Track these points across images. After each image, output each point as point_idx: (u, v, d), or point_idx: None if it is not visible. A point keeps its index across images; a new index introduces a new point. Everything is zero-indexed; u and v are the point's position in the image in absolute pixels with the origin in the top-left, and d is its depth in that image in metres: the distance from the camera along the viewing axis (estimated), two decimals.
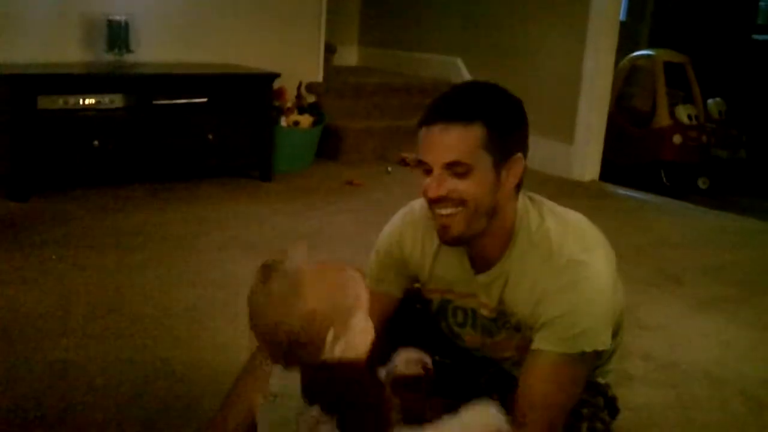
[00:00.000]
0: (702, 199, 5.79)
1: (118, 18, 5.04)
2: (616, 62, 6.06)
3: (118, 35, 5.06)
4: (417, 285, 2.16)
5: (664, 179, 6.15)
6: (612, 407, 2.17)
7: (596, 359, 1.93)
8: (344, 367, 1.52)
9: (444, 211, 1.84)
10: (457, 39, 6.78)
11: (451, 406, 2.25)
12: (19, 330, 2.92)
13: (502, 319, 2.00)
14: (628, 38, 6.61)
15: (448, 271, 2.03)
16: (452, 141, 1.78)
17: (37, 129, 4.48)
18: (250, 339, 1.57)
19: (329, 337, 1.50)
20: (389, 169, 5.70)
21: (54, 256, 3.63)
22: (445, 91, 1.89)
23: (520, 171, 1.87)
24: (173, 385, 2.57)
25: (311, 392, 1.51)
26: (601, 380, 2.15)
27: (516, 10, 6.26)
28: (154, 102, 4.86)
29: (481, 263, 1.97)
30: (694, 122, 6.23)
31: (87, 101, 4.64)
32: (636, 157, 6.35)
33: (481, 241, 1.91)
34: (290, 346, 1.50)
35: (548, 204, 1.99)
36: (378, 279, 2.11)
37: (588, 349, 1.83)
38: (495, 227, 1.88)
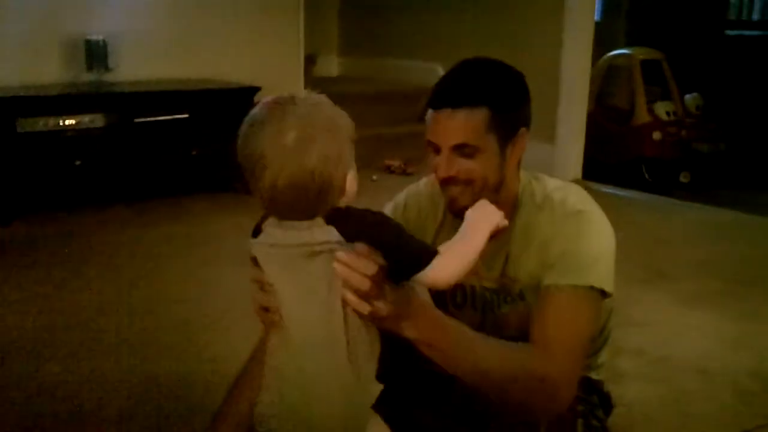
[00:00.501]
0: (684, 193, 5.82)
1: (96, 37, 5.05)
2: (594, 62, 6.09)
3: (96, 54, 5.07)
4: None
5: (646, 175, 6.18)
6: (606, 404, 2.18)
7: (601, 305, 1.93)
8: (370, 213, 1.51)
9: (453, 189, 1.91)
10: (436, 45, 6.80)
11: None
12: (6, 353, 2.92)
13: (504, 291, 2.03)
14: (604, 38, 6.64)
15: None
16: (459, 125, 1.85)
17: (17, 151, 4.48)
18: (263, 196, 1.47)
19: (350, 176, 1.49)
20: (374, 177, 5.70)
21: (66, 275, 3.63)
22: (450, 72, 1.96)
23: (524, 144, 1.96)
24: (165, 402, 2.57)
25: (354, 235, 1.47)
26: (594, 376, 2.16)
27: (493, 14, 6.30)
28: (136, 120, 4.85)
29: None
30: (673, 118, 6.28)
31: (67, 122, 4.63)
32: (618, 155, 6.38)
33: None
34: (320, 193, 1.45)
35: (549, 178, 2.07)
36: None
37: (595, 284, 1.86)
38: (501, 199, 1.93)
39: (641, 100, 6.31)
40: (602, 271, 1.89)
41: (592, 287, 1.86)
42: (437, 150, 1.90)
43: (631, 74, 6.38)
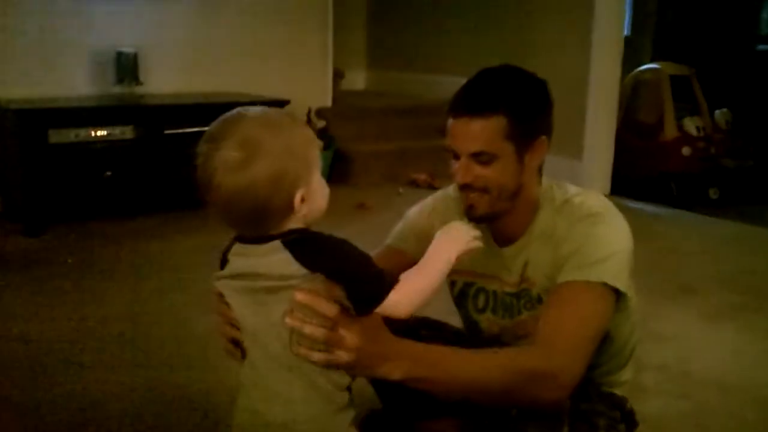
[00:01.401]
0: (712, 209, 5.80)
1: (126, 50, 5.11)
2: (622, 76, 6.08)
3: (126, 67, 5.13)
4: None
5: (675, 191, 6.16)
6: (630, 421, 2.18)
7: (614, 303, 1.93)
8: (330, 240, 1.50)
9: (471, 195, 1.96)
10: (462, 59, 6.80)
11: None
12: (36, 362, 2.95)
13: (524, 295, 2.06)
14: (631, 53, 6.63)
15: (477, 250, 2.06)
16: (476, 133, 1.89)
17: (48, 163, 4.54)
18: (212, 210, 1.50)
19: (298, 197, 1.47)
20: (400, 190, 5.72)
21: (70, 260, 3.66)
22: (471, 80, 2.00)
23: (543, 152, 1.99)
24: (191, 413, 2.59)
25: (311, 264, 1.45)
26: (617, 392, 2.16)
27: (521, 30, 6.31)
28: (165, 132, 4.91)
29: (504, 238, 2.07)
30: (702, 134, 6.25)
31: (98, 133, 4.69)
32: (645, 170, 6.36)
33: (506, 218, 2.02)
34: (259, 210, 1.45)
35: (571, 186, 2.10)
36: (400, 238, 2.21)
37: (608, 281, 1.86)
38: (519, 205, 2.00)
39: (670, 116, 6.28)
40: (614, 269, 1.89)
41: (604, 284, 1.87)
42: (456, 156, 1.94)
43: (660, 89, 6.35)
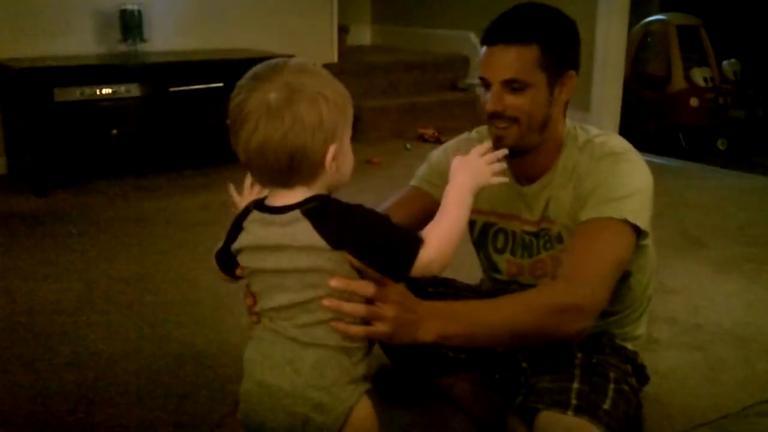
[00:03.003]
0: (721, 160, 5.77)
1: (131, 7, 5.07)
2: (629, 28, 6.02)
3: (131, 25, 5.09)
4: None
5: (683, 142, 6.13)
6: (641, 374, 2.20)
7: (635, 240, 1.96)
8: (352, 209, 1.50)
9: (500, 125, 1.97)
10: (469, 13, 6.76)
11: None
12: (45, 322, 2.96)
13: (543, 235, 2.09)
14: (639, 4, 6.56)
15: (494, 187, 2.05)
16: (510, 60, 1.93)
17: (55, 121, 4.52)
18: (241, 157, 1.49)
19: (331, 152, 1.45)
20: (408, 146, 5.70)
21: (73, 229, 3.65)
22: (505, 12, 2.03)
23: (572, 87, 2.02)
24: (200, 370, 2.60)
25: (335, 240, 1.45)
26: (630, 347, 2.17)
27: None
28: (171, 89, 4.88)
29: (527, 176, 2.10)
30: (710, 84, 6.21)
31: (104, 91, 4.66)
32: (654, 122, 6.33)
33: (530, 155, 2.04)
34: (291, 160, 1.43)
35: (593, 128, 2.14)
36: (425, 179, 2.24)
37: (629, 218, 1.90)
38: (545, 140, 2.03)
39: (678, 67, 6.24)
40: (636, 206, 1.93)
41: (625, 220, 1.90)
42: (487, 85, 1.97)
43: (668, 40, 6.31)
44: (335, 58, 6.24)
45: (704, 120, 6.15)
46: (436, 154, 2.27)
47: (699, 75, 6.22)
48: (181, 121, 4.93)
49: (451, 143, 2.27)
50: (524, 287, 2.12)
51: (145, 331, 2.90)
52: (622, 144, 2.04)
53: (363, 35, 7.92)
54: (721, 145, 6.15)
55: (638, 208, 1.93)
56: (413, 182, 2.27)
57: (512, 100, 1.94)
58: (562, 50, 1.98)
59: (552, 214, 2.06)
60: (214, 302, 3.12)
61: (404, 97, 6.31)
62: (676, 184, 5.05)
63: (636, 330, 2.19)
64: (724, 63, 6.42)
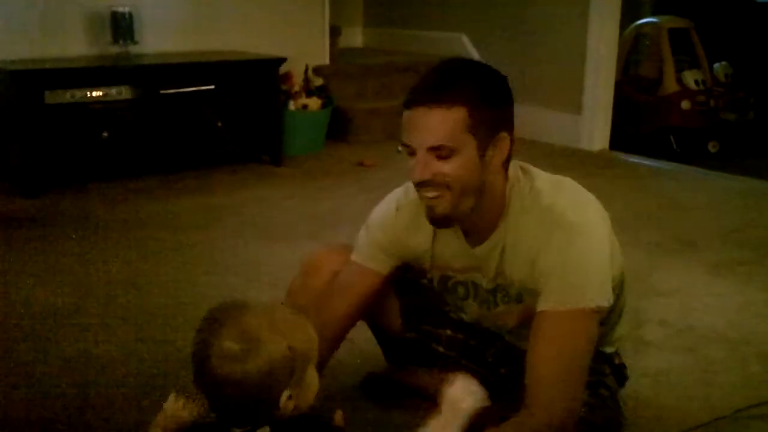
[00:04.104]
0: (713, 163, 5.77)
1: (122, 9, 5.05)
2: (621, 30, 6.03)
3: (122, 27, 5.07)
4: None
5: (674, 145, 6.14)
6: (619, 375, 2.19)
7: (602, 317, 1.92)
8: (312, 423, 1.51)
9: (429, 194, 1.85)
10: (461, 15, 6.75)
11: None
12: (38, 324, 2.95)
13: (501, 290, 2.02)
14: (631, 6, 6.57)
15: (446, 249, 2.04)
16: (434, 125, 1.78)
17: (45, 124, 4.50)
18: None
19: (284, 396, 1.46)
20: (399, 148, 5.67)
21: (75, 235, 3.64)
22: (428, 72, 1.88)
23: (506, 149, 1.86)
24: (191, 375, 2.58)
25: None
26: (608, 350, 2.16)
27: None
28: (162, 92, 4.86)
29: (476, 237, 1.98)
30: (702, 87, 6.22)
31: (94, 94, 4.64)
32: (645, 125, 6.34)
33: (472, 218, 1.91)
34: (241, 406, 1.46)
35: (540, 172, 1.99)
36: (367, 255, 2.12)
37: (590, 305, 1.83)
38: (485, 203, 1.89)
39: (669, 69, 6.25)
40: (596, 287, 1.85)
41: (586, 308, 1.83)
42: (412, 153, 1.83)
43: (659, 43, 6.32)
44: (327, 60, 6.23)
45: (695, 122, 6.16)
46: (376, 226, 2.12)
47: (690, 78, 6.23)
48: (172, 124, 4.92)
49: (390, 210, 2.11)
50: (487, 330, 2.15)
51: (138, 333, 2.89)
52: (570, 202, 1.90)
53: (355, 37, 7.91)
54: (712, 147, 6.16)
55: (599, 287, 1.85)
56: (354, 256, 2.14)
57: (441, 167, 1.80)
58: (491, 110, 1.82)
59: (507, 272, 1.97)
60: (204, 304, 3.07)
61: (397, 100, 6.27)
62: (668, 186, 5.05)
63: (613, 335, 2.16)
64: (716, 66, 6.43)
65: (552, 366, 1.82)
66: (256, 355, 1.42)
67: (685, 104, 6.14)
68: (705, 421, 2.33)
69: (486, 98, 1.81)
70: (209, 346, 1.45)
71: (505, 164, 1.90)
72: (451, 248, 2.02)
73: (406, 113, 1.84)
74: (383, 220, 2.11)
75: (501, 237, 1.94)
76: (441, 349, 2.26)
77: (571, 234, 1.84)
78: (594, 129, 5.84)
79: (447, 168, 1.80)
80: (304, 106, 5.56)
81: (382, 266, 2.11)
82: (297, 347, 1.46)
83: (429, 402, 2.25)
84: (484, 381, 2.21)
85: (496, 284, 2.01)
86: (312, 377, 1.52)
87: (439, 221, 1.90)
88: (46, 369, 2.61)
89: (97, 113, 4.66)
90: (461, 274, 2.08)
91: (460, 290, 2.11)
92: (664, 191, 4.91)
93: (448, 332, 2.26)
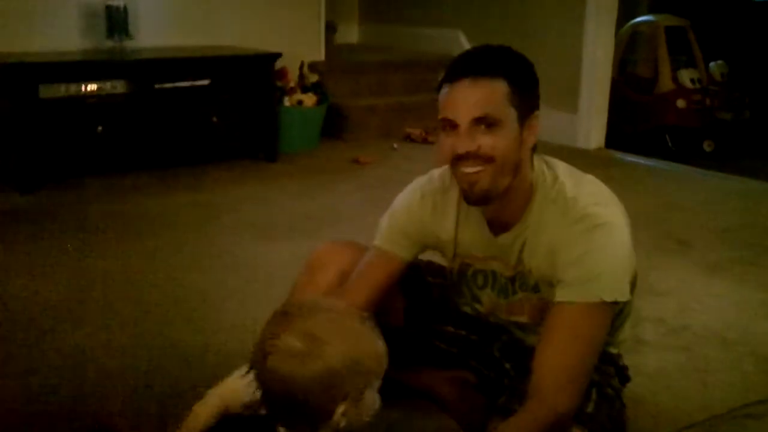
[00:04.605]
0: (708, 162, 5.78)
1: (116, 3, 5.04)
2: (617, 29, 6.03)
3: (117, 21, 5.06)
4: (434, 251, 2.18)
5: (670, 144, 6.14)
6: (622, 375, 2.19)
7: (615, 314, 1.93)
8: None
9: (471, 169, 1.85)
10: (457, 11, 6.76)
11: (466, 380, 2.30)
12: (32, 319, 2.94)
13: (519, 279, 2.03)
14: (627, 5, 6.57)
15: (469, 237, 2.05)
16: (481, 95, 1.81)
17: (39, 118, 4.49)
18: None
19: (340, 410, 1.42)
20: (395, 145, 5.69)
21: (70, 246, 3.64)
22: (464, 53, 1.92)
23: (537, 129, 1.90)
24: (185, 369, 2.59)
25: None
26: (613, 350, 2.16)
27: None
28: (156, 86, 4.85)
29: (500, 225, 2.00)
30: (697, 86, 6.22)
31: (89, 88, 4.62)
32: (641, 123, 6.34)
33: (502, 202, 1.92)
34: (292, 408, 1.42)
35: (562, 163, 2.02)
36: (390, 240, 2.11)
37: (607, 298, 1.84)
38: (516, 186, 1.91)
39: (665, 68, 6.25)
40: (615, 281, 1.86)
41: (603, 302, 1.84)
42: (453, 126, 1.84)
43: (655, 41, 6.32)
44: (322, 56, 6.22)
45: (691, 121, 6.16)
46: (400, 213, 2.12)
47: (686, 76, 6.23)
48: (167, 119, 4.90)
49: (415, 197, 2.12)
50: (498, 323, 2.15)
51: (134, 328, 2.88)
52: (594, 199, 1.92)
53: (351, 34, 7.91)
54: (707, 147, 6.16)
55: (618, 282, 1.86)
56: (377, 241, 2.13)
57: (485, 139, 1.81)
58: (529, 87, 1.88)
59: (527, 261, 1.98)
60: (200, 301, 3.11)
61: (392, 97, 6.29)
62: (663, 185, 5.05)
63: (618, 336, 2.17)
64: (712, 64, 6.43)
65: (564, 356, 1.83)
66: (317, 358, 1.38)
67: (680, 103, 6.15)
68: (699, 419, 2.32)
69: (523, 76, 1.87)
70: (273, 337, 1.42)
71: (533, 149, 1.93)
72: (474, 236, 2.03)
73: (447, 88, 1.85)
74: (408, 207, 2.11)
75: (525, 226, 1.96)
76: (443, 346, 2.27)
77: (594, 227, 1.86)
78: (590, 127, 5.84)
79: (492, 140, 1.82)
80: (300, 102, 5.55)
81: (406, 252, 2.10)
82: (361, 361, 1.42)
83: (431, 402, 2.27)
84: (485, 377, 2.23)
85: (515, 272, 2.02)
86: (372, 397, 1.48)
87: (478, 198, 1.89)
88: (42, 363, 2.60)
89: (92, 107, 4.64)
90: (481, 263, 2.08)
91: (479, 279, 2.12)
92: (660, 190, 4.91)
93: (451, 329, 2.26)
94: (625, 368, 2.21)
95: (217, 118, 5.03)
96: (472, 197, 1.90)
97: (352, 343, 1.42)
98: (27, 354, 2.68)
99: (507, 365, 2.15)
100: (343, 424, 1.44)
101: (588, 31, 5.73)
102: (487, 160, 1.83)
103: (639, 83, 6.41)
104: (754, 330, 2.99)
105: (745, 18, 7.03)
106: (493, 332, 2.19)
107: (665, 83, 6.23)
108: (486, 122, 1.80)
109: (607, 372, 2.07)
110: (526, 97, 1.86)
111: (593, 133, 5.85)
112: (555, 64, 5.83)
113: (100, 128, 4.65)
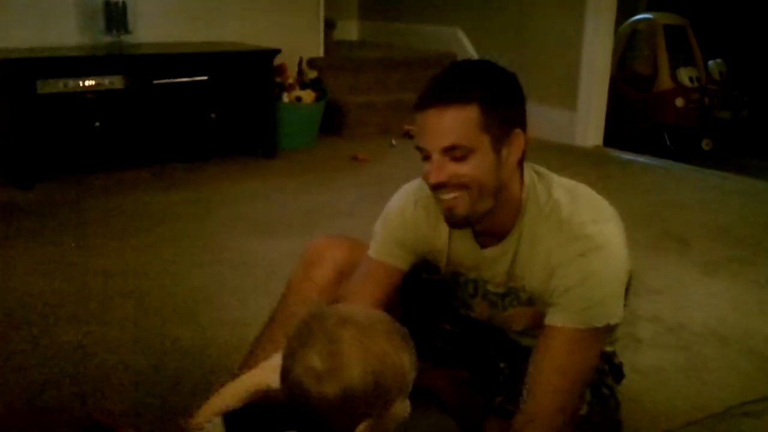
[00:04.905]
0: (706, 161, 5.78)
1: None
2: (616, 27, 6.03)
3: (115, 16, 5.06)
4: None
5: (668, 142, 6.14)
6: (617, 372, 2.19)
7: (609, 334, 1.92)
8: None
9: (447, 196, 1.81)
10: (457, 9, 6.75)
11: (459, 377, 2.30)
12: (32, 315, 2.93)
13: (511, 294, 1.99)
14: (626, 3, 6.57)
15: (460, 247, 2.02)
16: (448, 124, 1.74)
17: (37, 113, 4.48)
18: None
19: (362, 426, 1.39)
20: (393, 142, 5.69)
21: (73, 243, 3.64)
22: (438, 73, 1.83)
23: (521, 147, 1.82)
24: (184, 364, 2.59)
25: None
26: (608, 348, 2.15)
27: None
28: (155, 82, 4.84)
29: (487, 239, 1.95)
30: (696, 84, 6.22)
31: (87, 83, 4.62)
32: (639, 122, 6.34)
33: (488, 219, 1.87)
34: (312, 418, 1.39)
35: (555, 177, 1.96)
36: (386, 252, 2.06)
37: (600, 324, 1.81)
38: (502, 204, 1.85)
39: (664, 66, 6.25)
40: (611, 306, 1.83)
41: (596, 328, 1.81)
42: (427, 157, 1.79)
43: (655, 40, 6.32)
44: (321, 53, 6.22)
45: (689, 120, 6.17)
46: (393, 222, 2.06)
47: (685, 75, 6.23)
48: (165, 114, 4.90)
49: (408, 207, 2.05)
50: (489, 325, 2.13)
51: (132, 323, 2.88)
52: (590, 215, 1.87)
53: (350, 30, 7.90)
54: (705, 145, 6.17)
55: (612, 306, 1.83)
56: (373, 254, 2.07)
57: (457, 168, 1.75)
58: (504, 108, 1.78)
59: (519, 278, 1.94)
60: (196, 296, 3.11)
61: (391, 94, 6.29)
62: (661, 183, 5.05)
63: (614, 333, 2.16)
64: (710, 63, 6.44)
65: (557, 380, 1.81)
66: (338, 379, 1.36)
67: (679, 101, 6.15)
68: (695, 418, 2.33)
69: (498, 96, 1.78)
70: (295, 354, 1.40)
71: (520, 163, 1.87)
72: (464, 247, 2.00)
73: (419, 117, 1.79)
74: (402, 215, 2.05)
75: (514, 242, 1.91)
76: (440, 343, 2.26)
77: (591, 250, 1.81)
78: (588, 125, 5.84)
79: (463, 169, 1.76)
80: (298, 99, 5.54)
81: (402, 262, 2.06)
82: (385, 380, 1.39)
83: (428, 400, 2.27)
84: (480, 375, 2.23)
85: (506, 288, 1.99)
86: (399, 408, 1.44)
87: (458, 223, 1.86)
88: (41, 358, 2.60)
89: (90, 103, 4.64)
90: (470, 272, 2.05)
91: (470, 287, 2.08)
92: (658, 189, 4.91)
93: (447, 327, 2.26)
94: (620, 365, 2.21)
95: (216, 114, 5.02)
96: (451, 222, 1.87)
97: (374, 364, 1.38)
98: (25, 350, 2.67)
99: (502, 364, 2.14)
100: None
101: (587, 29, 5.73)
102: (461, 186, 1.78)
103: (638, 81, 6.42)
104: (752, 328, 2.99)
105: (744, 16, 7.04)
106: (488, 332, 2.18)
107: (664, 81, 6.23)
108: (455, 152, 1.75)
109: (602, 370, 2.07)
110: (503, 118, 1.78)
111: (592, 131, 5.84)
112: (554, 61, 5.83)
113: (98, 124, 4.65)
